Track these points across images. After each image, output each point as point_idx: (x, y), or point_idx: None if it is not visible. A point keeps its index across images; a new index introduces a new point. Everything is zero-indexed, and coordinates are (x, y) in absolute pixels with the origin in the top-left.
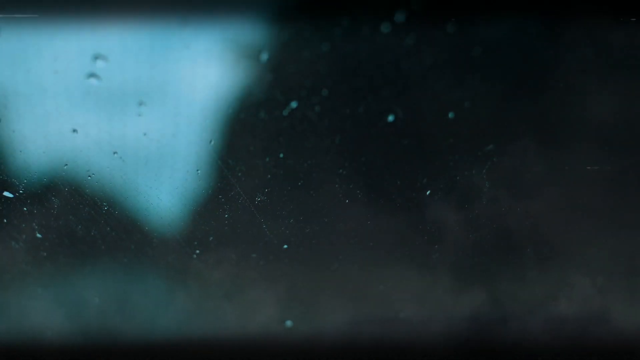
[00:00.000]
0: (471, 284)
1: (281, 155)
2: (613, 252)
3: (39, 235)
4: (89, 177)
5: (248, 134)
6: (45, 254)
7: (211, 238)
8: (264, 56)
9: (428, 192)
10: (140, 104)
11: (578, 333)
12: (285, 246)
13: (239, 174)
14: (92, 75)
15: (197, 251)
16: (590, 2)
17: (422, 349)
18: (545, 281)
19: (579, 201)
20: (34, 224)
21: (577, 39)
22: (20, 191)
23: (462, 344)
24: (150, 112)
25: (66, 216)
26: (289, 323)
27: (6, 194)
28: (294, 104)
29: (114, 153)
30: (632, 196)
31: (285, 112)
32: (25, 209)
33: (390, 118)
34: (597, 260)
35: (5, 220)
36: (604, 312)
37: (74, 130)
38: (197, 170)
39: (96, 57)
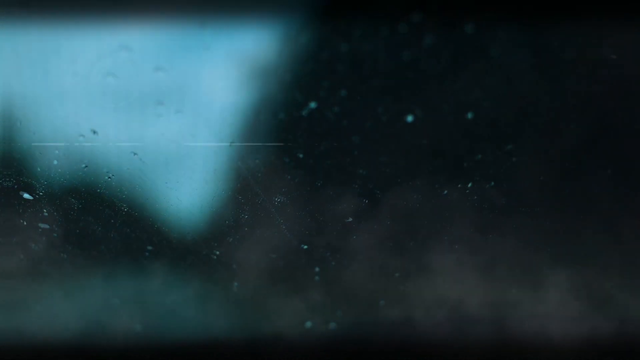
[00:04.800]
0: (481, 285)
1: (300, 155)
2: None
3: (54, 236)
4: (108, 178)
5: (267, 135)
6: (64, 255)
7: (230, 239)
8: (283, 57)
9: (445, 192)
10: (159, 104)
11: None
12: (305, 246)
13: (258, 175)
14: (110, 74)
15: (217, 252)
16: (602, 3)
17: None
18: (558, 282)
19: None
20: (53, 226)
21: (594, 39)
22: (40, 193)
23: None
24: (169, 113)
25: (85, 217)
26: (308, 324)
27: (25, 195)
28: (313, 105)
29: (134, 154)
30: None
31: (304, 113)
32: (44, 210)
33: (409, 118)
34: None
35: (24, 222)
36: None
37: (93, 131)
38: (215, 170)
39: (116, 56)
